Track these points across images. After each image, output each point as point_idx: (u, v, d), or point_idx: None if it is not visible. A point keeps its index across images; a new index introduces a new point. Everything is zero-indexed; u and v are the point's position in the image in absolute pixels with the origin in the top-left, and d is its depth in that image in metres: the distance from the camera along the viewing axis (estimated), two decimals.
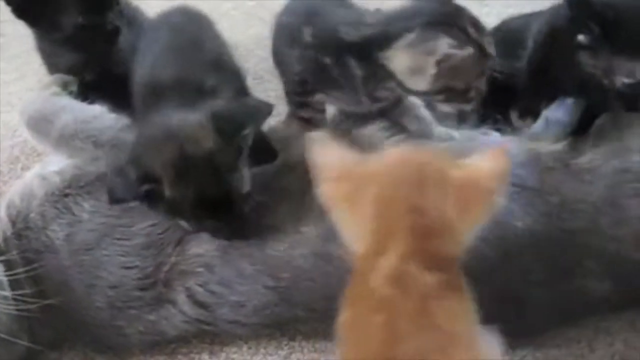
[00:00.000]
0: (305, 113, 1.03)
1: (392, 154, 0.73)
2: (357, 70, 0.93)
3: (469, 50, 0.84)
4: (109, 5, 1.08)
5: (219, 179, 0.85)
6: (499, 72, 0.98)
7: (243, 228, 0.90)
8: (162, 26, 1.09)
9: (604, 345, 0.96)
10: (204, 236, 0.93)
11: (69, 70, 1.16)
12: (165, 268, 0.94)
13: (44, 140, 1.09)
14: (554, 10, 1.07)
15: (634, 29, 0.94)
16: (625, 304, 0.95)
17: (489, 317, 0.71)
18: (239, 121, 0.87)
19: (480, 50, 0.86)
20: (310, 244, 0.90)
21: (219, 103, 0.91)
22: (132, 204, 0.90)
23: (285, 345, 0.98)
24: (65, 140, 1.04)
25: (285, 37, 1.01)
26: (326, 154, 0.72)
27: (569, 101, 1.08)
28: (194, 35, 1.05)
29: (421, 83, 0.88)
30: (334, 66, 0.94)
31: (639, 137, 0.98)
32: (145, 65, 1.01)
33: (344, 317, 0.68)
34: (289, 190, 0.95)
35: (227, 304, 0.93)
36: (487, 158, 0.72)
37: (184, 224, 0.90)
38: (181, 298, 0.94)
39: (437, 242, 0.66)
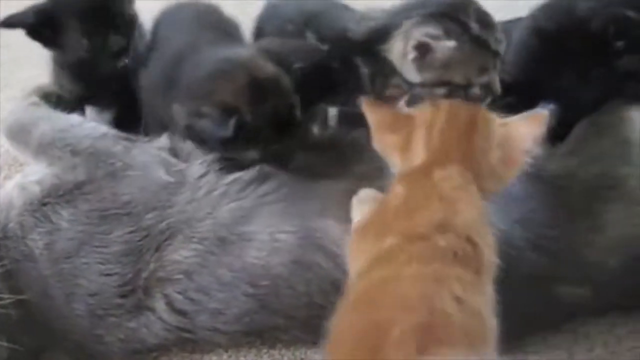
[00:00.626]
0: None
1: (445, 102, 0.81)
2: (363, 68, 0.95)
3: (450, 43, 0.85)
4: (114, 25, 1.08)
5: (288, 97, 0.91)
6: None
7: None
8: (179, 11, 1.15)
9: (583, 351, 0.97)
10: (182, 243, 0.94)
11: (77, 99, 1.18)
12: (144, 275, 0.94)
13: (24, 150, 1.09)
14: (535, 15, 1.08)
15: None
16: (603, 310, 0.96)
17: None
18: (285, 55, 0.94)
19: (480, 45, 0.86)
20: (289, 252, 0.90)
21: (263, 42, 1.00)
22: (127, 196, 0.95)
23: (265, 353, 0.97)
24: (43, 149, 1.04)
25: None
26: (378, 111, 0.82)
27: (549, 107, 1.09)
28: (211, 12, 1.14)
29: (411, 72, 0.89)
30: (342, 69, 0.96)
31: (616, 143, 0.99)
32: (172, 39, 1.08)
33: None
34: (270, 197, 0.95)
35: (206, 312, 0.93)
36: (527, 121, 0.80)
37: (253, 154, 0.93)
38: (160, 305, 0.94)
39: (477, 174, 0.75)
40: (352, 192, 0.87)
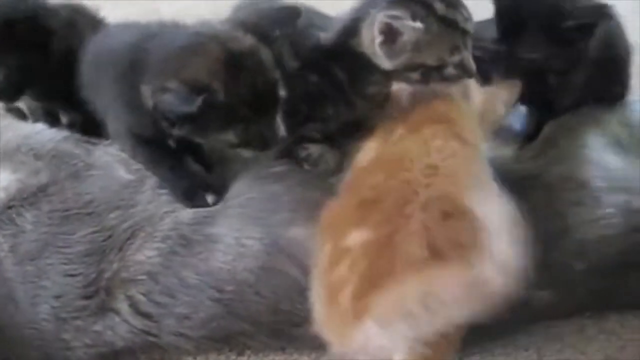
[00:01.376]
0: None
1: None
2: (340, 74, 0.92)
3: (417, 24, 0.84)
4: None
5: (268, 72, 0.85)
6: None
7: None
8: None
9: (553, 352, 0.97)
10: (145, 242, 0.93)
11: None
12: (107, 275, 0.93)
13: None
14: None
15: None
16: (570, 312, 0.96)
17: None
18: (265, 25, 0.89)
19: (448, 25, 0.85)
20: (256, 258, 0.89)
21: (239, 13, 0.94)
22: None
23: None
24: (8, 156, 1.03)
25: None
26: None
27: (522, 109, 1.09)
28: None
29: (382, 59, 0.88)
30: (321, 81, 0.93)
31: (581, 145, 0.99)
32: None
33: None
34: (235, 201, 0.94)
35: (172, 315, 0.91)
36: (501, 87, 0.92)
37: (230, 136, 0.85)
38: (124, 307, 0.92)
39: None
40: (321, 202, 0.85)
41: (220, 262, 0.90)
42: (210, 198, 0.94)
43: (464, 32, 0.87)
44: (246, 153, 0.90)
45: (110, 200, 0.96)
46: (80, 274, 0.93)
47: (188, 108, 0.81)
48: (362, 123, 0.94)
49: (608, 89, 1.08)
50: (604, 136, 1.02)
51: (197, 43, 0.86)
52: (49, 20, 1.05)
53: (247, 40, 0.86)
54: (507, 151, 1.00)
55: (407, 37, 0.85)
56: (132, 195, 0.97)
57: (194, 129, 0.86)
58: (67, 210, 0.96)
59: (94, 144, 1.04)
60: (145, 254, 0.93)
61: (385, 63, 0.88)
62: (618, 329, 0.98)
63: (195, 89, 0.81)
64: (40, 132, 1.06)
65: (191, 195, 0.95)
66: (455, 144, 0.82)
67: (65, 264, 0.94)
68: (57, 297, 0.93)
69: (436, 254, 0.67)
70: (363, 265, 0.70)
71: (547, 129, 1.05)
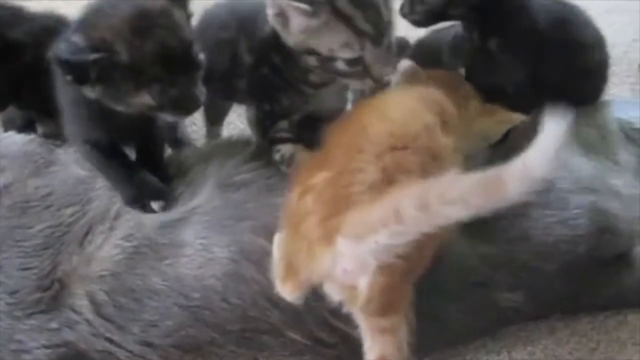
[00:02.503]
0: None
1: None
2: (279, 63, 0.92)
3: (305, 9, 0.83)
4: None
5: (179, 32, 0.84)
6: None
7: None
8: None
9: (524, 355, 0.97)
10: (105, 239, 0.93)
11: None
12: (63, 268, 0.92)
13: None
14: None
15: None
16: (541, 314, 0.96)
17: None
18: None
19: (342, 19, 0.83)
20: (223, 265, 0.88)
21: None
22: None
23: None
24: None
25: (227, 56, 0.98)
26: None
27: None
28: None
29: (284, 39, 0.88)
30: (270, 73, 0.93)
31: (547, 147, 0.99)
32: None
33: None
34: (202, 209, 0.93)
35: (137, 322, 0.89)
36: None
37: (146, 99, 0.85)
38: (84, 305, 0.90)
39: None
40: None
41: (187, 268, 0.89)
42: (157, 206, 0.95)
43: (362, 34, 0.85)
44: (168, 117, 0.91)
45: (67, 195, 0.97)
46: (35, 267, 0.92)
47: (78, 58, 0.81)
48: (322, 116, 0.95)
49: (581, 90, 1.08)
50: (572, 137, 1.03)
51: (111, 4, 0.86)
52: (17, 30, 1.05)
53: (159, 2, 0.85)
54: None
55: (295, 20, 0.84)
56: (87, 191, 0.97)
57: (105, 91, 0.85)
58: (25, 202, 0.96)
59: (57, 144, 1.04)
60: (107, 251, 0.92)
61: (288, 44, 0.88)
62: (589, 331, 0.99)
63: (94, 46, 0.81)
64: (7, 137, 1.07)
65: (136, 203, 0.95)
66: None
67: (21, 257, 0.93)
68: (13, 293, 0.92)
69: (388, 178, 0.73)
70: (327, 194, 0.74)
71: (514, 131, 1.05)
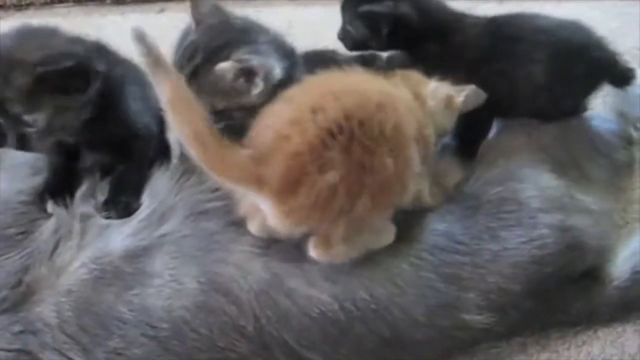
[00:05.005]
0: None
1: None
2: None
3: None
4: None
5: None
6: None
7: None
8: None
9: None
10: (77, 255, 0.94)
11: None
12: (32, 272, 0.93)
13: None
14: None
15: None
16: (511, 332, 0.96)
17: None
18: None
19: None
20: (191, 296, 0.88)
21: None
22: None
23: None
24: None
25: None
26: None
27: None
28: None
29: None
30: None
31: (518, 164, 1.00)
32: None
33: None
34: (171, 236, 0.93)
35: (103, 347, 0.88)
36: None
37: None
38: (51, 317, 0.89)
39: None
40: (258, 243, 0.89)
41: (156, 298, 0.89)
42: (49, 206, 0.99)
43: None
44: None
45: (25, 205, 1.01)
46: (4, 264, 0.94)
47: None
48: None
49: (558, 104, 1.08)
50: (542, 154, 1.03)
51: None
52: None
53: None
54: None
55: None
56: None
57: None
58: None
59: None
60: (76, 268, 0.92)
61: None
62: (560, 346, 0.99)
63: None
64: None
65: (40, 197, 1.01)
66: None
67: None
68: None
69: None
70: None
71: (485, 147, 1.05)
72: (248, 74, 0.93)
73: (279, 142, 0.81)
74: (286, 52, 1.01)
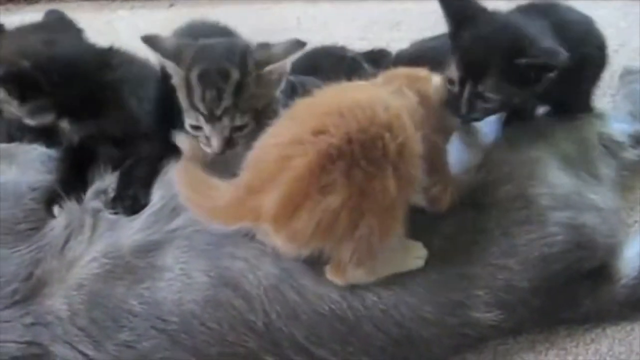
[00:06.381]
0: None
1: None
2: None
3: (169, 64, 0.97)
4: None
5: None
6: None
7: None
8: None
9: None
10: (88, 250, 0.95)
11: None
12: (44, 265, 0.94)
13: None
14: None
15: None
16: (520, 329, 0.96)
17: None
18: None
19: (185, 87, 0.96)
20: (201, 290, 0.89)
21: None
22: None
23: None
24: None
25: None
26: None
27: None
28: None
29: None
30: None
31: (527, 161, 1.00)
32: None
33: None
34: (182, 231, 0.93)
35: (113, 340, 0.89)
36: None
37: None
38: (63, 309, 0.91)
39: None
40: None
41: (166, 292, 0.89)
42: (56, 210, 1.00)
43: (196, 109, 0.94)
44: None
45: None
46: (16, 257, 0.95)
47: None
48: None
49: (572, 100, 1.08)
50: (552, 151, 1.03)
51: None
52: None
53: None
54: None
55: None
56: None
57: None
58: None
59: None
60: (87, 262, 0.93)
61: None
62: (568, 344, 0.99)
63: None
64: None
65: (49, 199, 1.01)
66: None
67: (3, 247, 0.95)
68: None
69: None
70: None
71: (495, 145, 1.05)
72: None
73: (280, 162, 0.80)
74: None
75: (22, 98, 0.99)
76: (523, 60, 0.90)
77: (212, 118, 0.93)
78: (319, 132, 0.80)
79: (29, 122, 1.03)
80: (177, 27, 1.19)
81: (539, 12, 1.00)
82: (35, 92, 0.98)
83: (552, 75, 0.92)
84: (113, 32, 1.12)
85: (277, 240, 0.82)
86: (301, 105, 0.88)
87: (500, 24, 0.96)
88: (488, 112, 0.99)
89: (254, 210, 0.80)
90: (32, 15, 1.10)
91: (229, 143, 0.95)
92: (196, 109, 0.94)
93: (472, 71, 0.94)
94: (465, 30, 0.95)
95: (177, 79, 0.97)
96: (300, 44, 0.97)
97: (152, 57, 1.07)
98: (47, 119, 1.03)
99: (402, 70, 0.99)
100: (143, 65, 1.12)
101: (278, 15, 1.08)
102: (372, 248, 0.81)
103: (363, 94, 0.87)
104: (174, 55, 0.96)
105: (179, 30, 1.18)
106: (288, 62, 0.97)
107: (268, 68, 0.96)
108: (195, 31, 1.14)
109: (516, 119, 1.07)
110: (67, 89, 0.99)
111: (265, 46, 0.99)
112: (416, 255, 0.90)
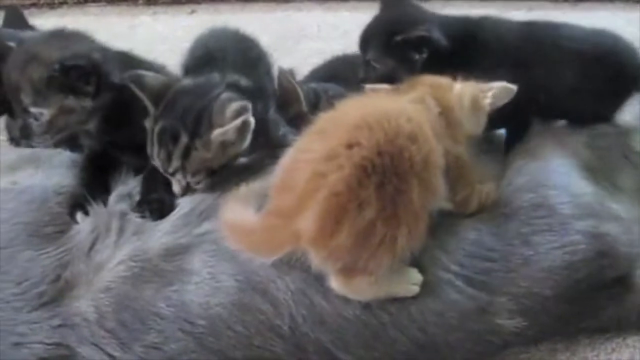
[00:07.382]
0: None
1: None
2: None
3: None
4: None
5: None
6: None
7: None
8: None
9: None
10: (115, 253, 0.97)
11: None
12: (72, 268, 0.96)
13: None
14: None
15: None
16: (541, 337, 0.97)
17: None
18: None
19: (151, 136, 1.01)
20: (229, 294, 0.90)
21: None
22: None
23: None
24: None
25: None
26: None
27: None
28: None
29: None
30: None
31: (548, 169, 1.01)
32: None
33: None
34: (211, 236, 0.95)
35: (140, 342, 0.90)
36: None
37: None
38: (90, 312, 0.92)
39: None
40: None
41: (194, 296, 0.90)
42: (79, 217, 1.02)
43: (156, 161, 1.00)
44: None
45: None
46: (43, 259, 0.96)
47: None
48: None
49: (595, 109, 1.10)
50: (573, 160, 1.04)
51: None
52: None
53: None
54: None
55: None
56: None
57: None
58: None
59: None
60: (115, 265, 0.94)
61: None
62: (589, 353, 0.99)
63: None
64: None
65: (72, 206, 1.04)
66: None
67: (31, 249, 0.97)
68: (19, 283, 0.94)
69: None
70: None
71: (516, 154, 1.06)
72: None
73: (315, 180, 0.80)
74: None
75: (97, 91, 1.03)
76: (399, 37, 1.07)
77: (167, 172, 1.01)
78: (351, 145, 0.81)
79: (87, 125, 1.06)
80: (198, 34, 1.21)
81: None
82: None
83: (423, 55, 1.08)
84: (134, 37, 1.13)
85: (316, 259, 0.83)
86: (326, 118, 0.89)
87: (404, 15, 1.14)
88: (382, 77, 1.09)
89: (293, 235, 0.81)
90: (55, 20, 1.11)
91: (188, 189, 1.02)
92: (154, 161, 1.00)
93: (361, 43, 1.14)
94: None
95: (148, 124, 1.01)
96: (245, 108, 0.99)
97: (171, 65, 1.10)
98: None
99: (427, 78, 1.00)
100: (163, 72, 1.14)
101: (299, 23, 1.09)
102: (403, 256, 0.83)
103: (386, 105, 0.88)
104: (155, 99, 1.00)
105: (200, 37, 1.19)
106: (232, 128, 0.98)
107: (215, 133, 0.97)
108: (216, 38, 1.16)
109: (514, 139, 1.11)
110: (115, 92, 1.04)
111: (226, 103, 1.00)
112: (412, 281, 0.89)
